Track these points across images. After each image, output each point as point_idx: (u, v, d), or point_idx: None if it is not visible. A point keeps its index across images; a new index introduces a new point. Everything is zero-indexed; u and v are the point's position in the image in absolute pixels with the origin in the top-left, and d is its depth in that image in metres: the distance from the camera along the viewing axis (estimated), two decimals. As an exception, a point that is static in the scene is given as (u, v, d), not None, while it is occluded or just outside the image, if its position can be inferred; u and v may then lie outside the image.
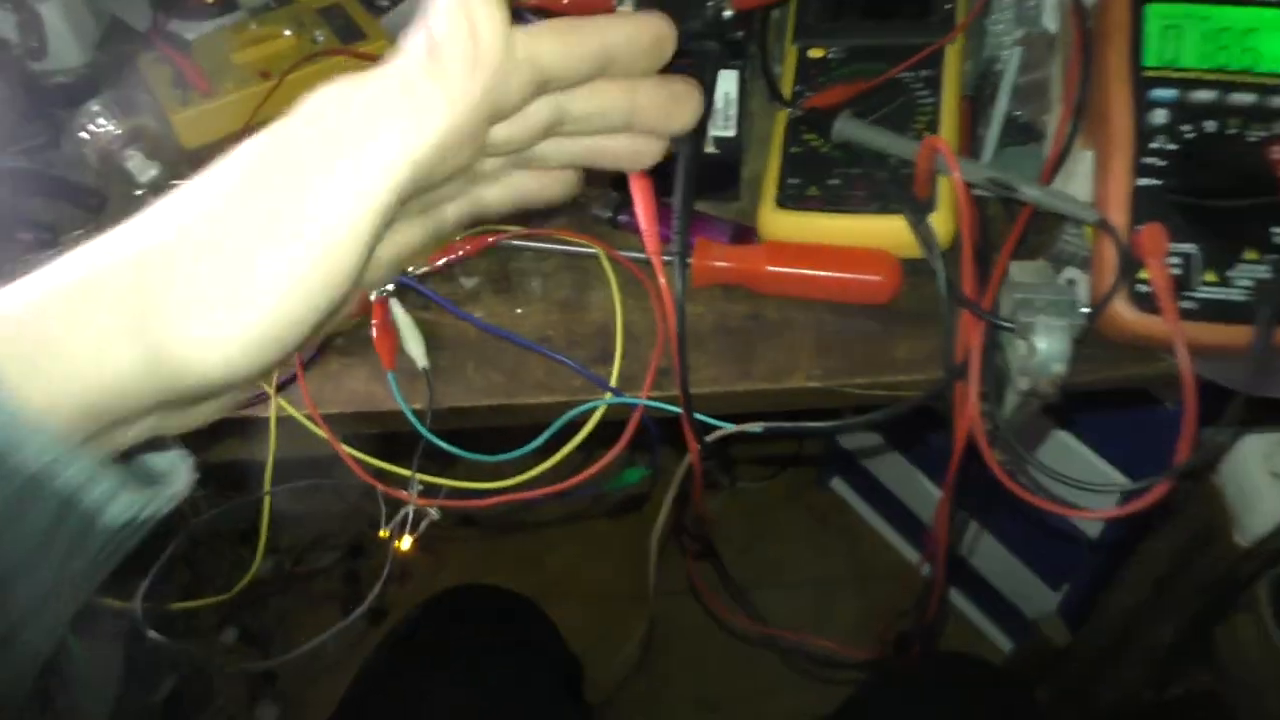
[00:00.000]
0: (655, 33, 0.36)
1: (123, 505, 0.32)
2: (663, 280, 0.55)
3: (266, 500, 0.64)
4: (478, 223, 0.43)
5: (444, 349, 0.64)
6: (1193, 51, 0.59)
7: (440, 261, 0.66)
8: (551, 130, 0.37)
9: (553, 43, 0.34)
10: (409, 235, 0.39)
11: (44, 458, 0.30)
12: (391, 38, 0.79)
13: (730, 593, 0.98)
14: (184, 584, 1.20)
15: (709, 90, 0.62)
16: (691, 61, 0.62)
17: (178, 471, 0.36)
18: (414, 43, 0.32)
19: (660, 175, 0.43)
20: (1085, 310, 0.56)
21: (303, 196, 0.30)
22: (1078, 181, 0.63)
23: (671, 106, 0.38)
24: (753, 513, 1.66)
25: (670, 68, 0.38)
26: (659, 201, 0.45)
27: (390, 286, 0.62)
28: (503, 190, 0.40)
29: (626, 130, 0.38)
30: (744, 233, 0.67)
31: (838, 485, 1.67)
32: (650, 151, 0.40)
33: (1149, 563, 1.06)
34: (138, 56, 0.80)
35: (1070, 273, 0.62)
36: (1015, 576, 1.34)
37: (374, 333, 0.62)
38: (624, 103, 0.37)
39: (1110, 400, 0.61)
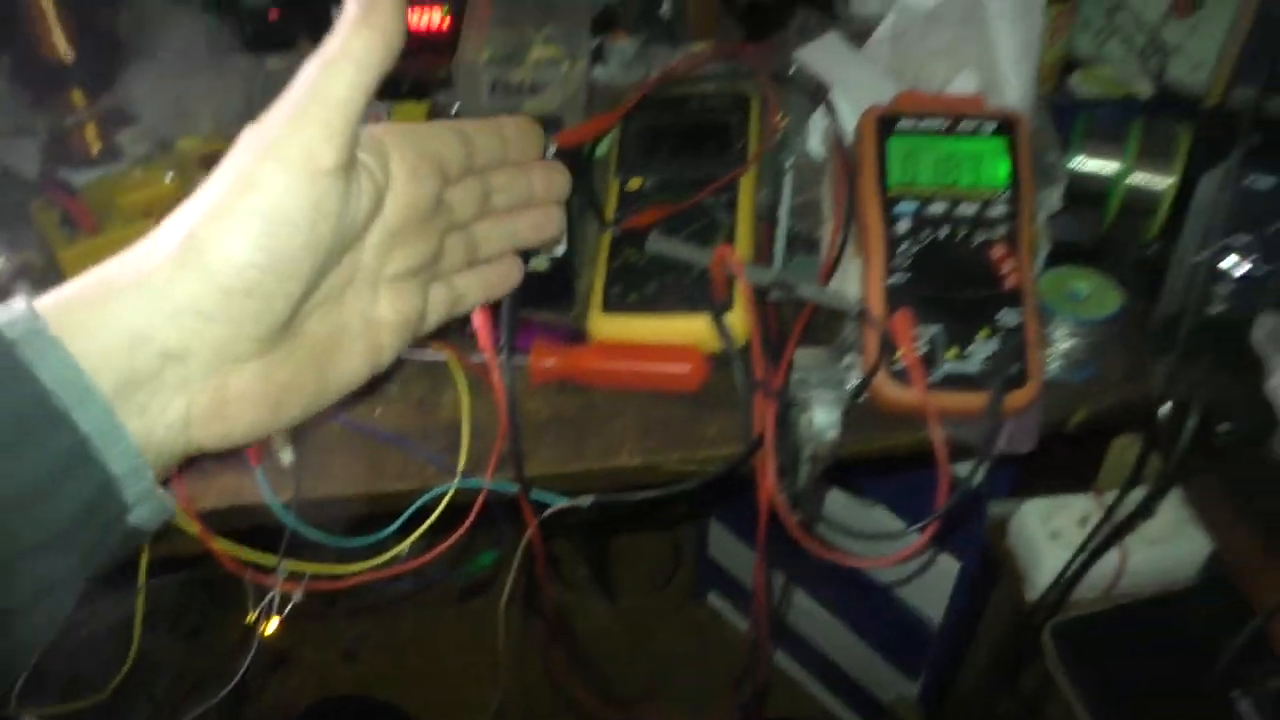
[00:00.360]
0: (526, 123, 0.51)
1: (150, 510, 0.37)
2: (497, 379, 0.64)
3: (142, 594, 0.69)
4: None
5: (310, 445, 0.71)
6: (928, 173, 0.72)
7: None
8: (485, 202, 0.49)
9: (474, 125, 0.47)
10: (408, 299, 0.47)
11: (98, 422, 0.34)
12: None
13: (585, 680, 1.04)
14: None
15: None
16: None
17: (165, 502, 0.40)
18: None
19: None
20: (852, 385, 0.67)
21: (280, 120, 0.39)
22: (850, 283, 0.75)
23: (555, 176, 0.52)
24: (633, 629, 1.71)
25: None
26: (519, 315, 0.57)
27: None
28: (475, 280, 0.51)
29: (530, 204, 0.51)
30: (577, 335, 0.77)
31: (714, 599, 1.75)
32: (555, 218, 0.53)
33: (986, 641, 1.16)
34: (27, 201, 0.88)
35: (850, 358, 0.74)
36: (871, 666, 1.42)
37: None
38: (522, 178, 0.50)
39: (908, 465, 0.72)
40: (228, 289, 0.38)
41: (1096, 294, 0.72)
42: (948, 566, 1.22)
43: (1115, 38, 0.98)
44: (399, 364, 0.77)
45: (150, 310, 0.37)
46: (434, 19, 1.05)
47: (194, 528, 0.68)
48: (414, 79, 1.01)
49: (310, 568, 0.68)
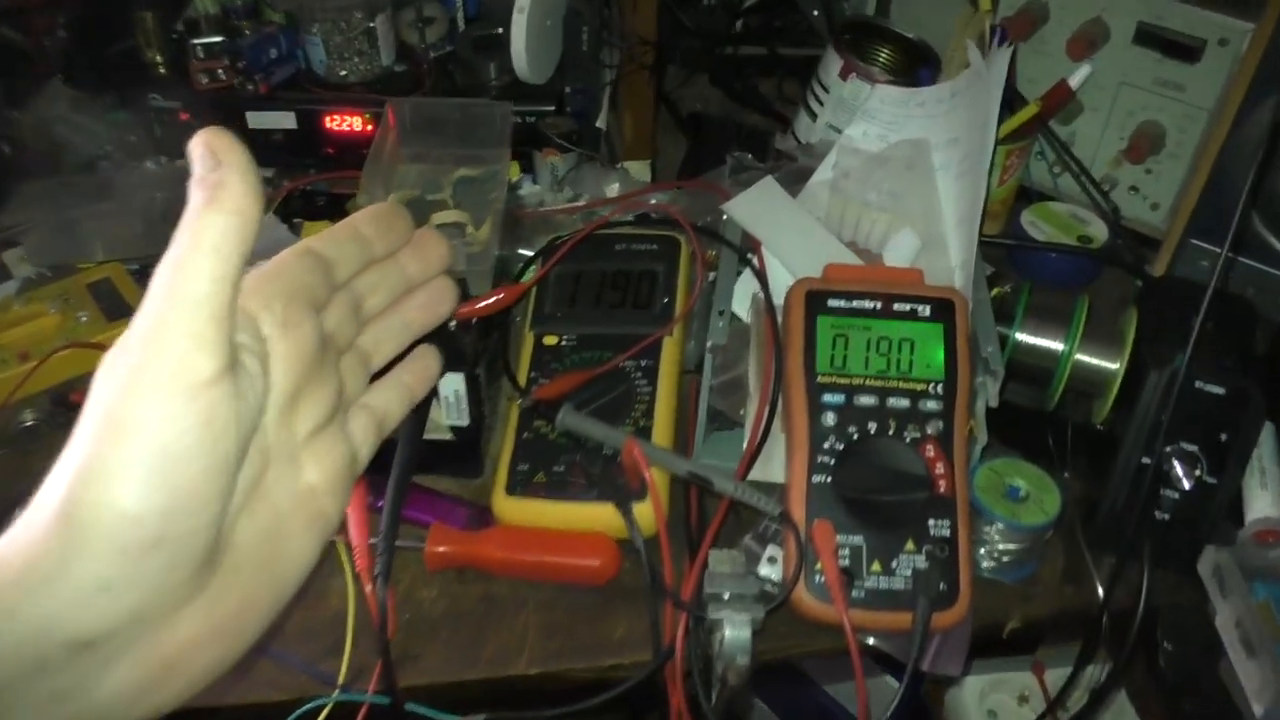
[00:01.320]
0: (386, 210, 0.44)
1: None
2: (369, 589, 0.58)
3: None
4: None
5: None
6: (858, 360, 0.67)
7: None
8: (361, 312, 0.44)
9: (326, 238, 0.41)
10: (331, 451, 0.41)
11: None
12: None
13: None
14: None
15: (426, 402, 0.67)
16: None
17: None
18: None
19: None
20: (765, 606, 0.62)
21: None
22: (776, 464, 0.70)
23: (429, 250, 0.45)
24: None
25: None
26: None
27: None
28: (391, 392, 0.46)
29: (410, 288, 0.45)
30: (482, 514, 0.72)
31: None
32: (442, 292, 0.46)
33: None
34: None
35: (772, 550, 0.68)
36: None
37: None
38: (393, 268, 0.44)
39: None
40: (126, 550, 0.33)
41: (1035, 493, 0.67)
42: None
43: (1068, 174, 0.94)
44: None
45: (46, 601, 0.32)
46: (355, 123, 1.00)
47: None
48: (330, 194, 0.96)
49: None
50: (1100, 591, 0.67)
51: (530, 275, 0.81)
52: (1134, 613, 0.66)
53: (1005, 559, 0.68)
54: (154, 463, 0.33)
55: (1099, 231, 0.90)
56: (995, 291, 0.75)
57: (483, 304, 0.69)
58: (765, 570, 0.67)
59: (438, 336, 0.67)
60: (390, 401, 0.47)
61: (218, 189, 0.36)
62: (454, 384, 0.69)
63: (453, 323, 0.69)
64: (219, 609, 0.36)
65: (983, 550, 0.68)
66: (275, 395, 0.38)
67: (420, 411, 0.67)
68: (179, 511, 0.33)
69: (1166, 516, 0.67)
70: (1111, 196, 0.92)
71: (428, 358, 0.49)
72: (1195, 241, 0.84)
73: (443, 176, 0.79)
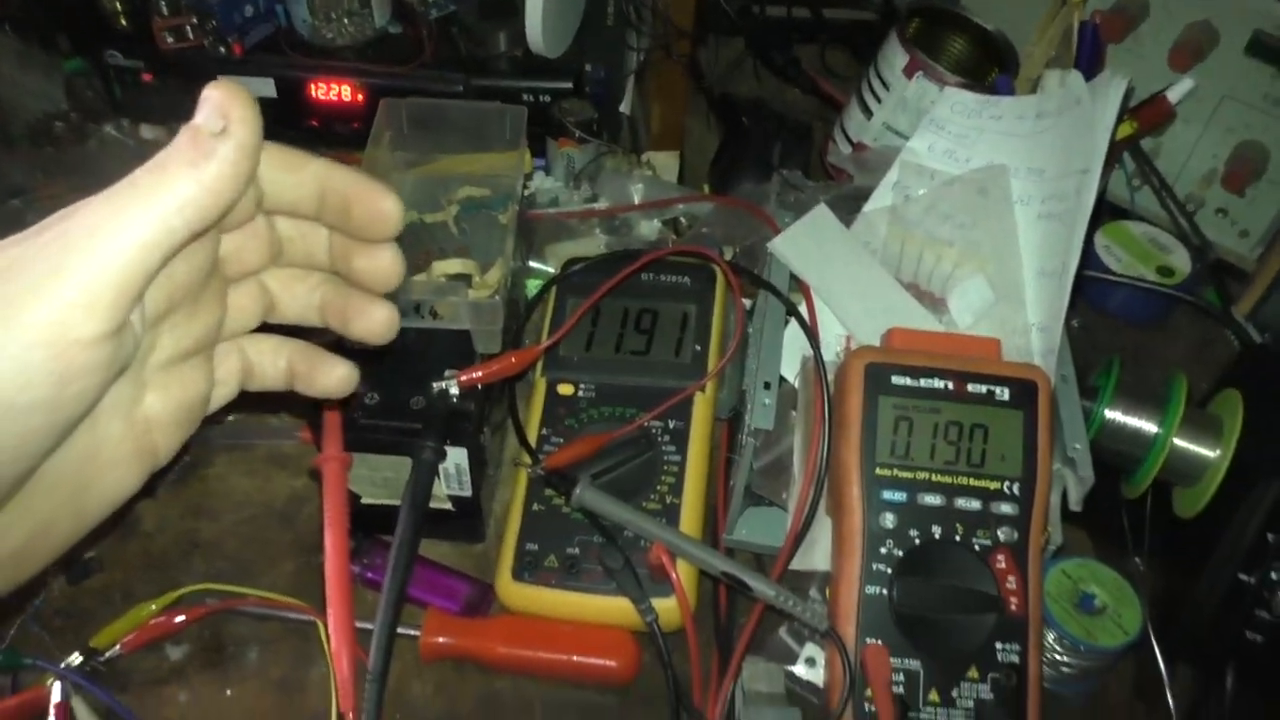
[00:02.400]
0: (373, 205, 0.36)
1: None
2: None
3: None
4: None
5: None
6: (924, 451, 0.58)
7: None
8: (275, 251, 0.37)
9: (275, 160, 0.34)
10: (183, 384, 0.36)
11: None
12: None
13: None
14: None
15: (425, 484, 0.58)
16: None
17: None
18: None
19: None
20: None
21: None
22: (819, 551, 0.62)
23: (385, 267, 0.37)
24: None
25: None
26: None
27: (58, 688, 0.56)
28: (272, 351, 0.39)
29: (337, 280, 0.38)
30: (484, 593, 0.63)
31: None
32: (375, 316, 0.38)
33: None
34: None
35: (811, 649, 0.61)
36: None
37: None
38: (332, 244, 0.37)
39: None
40: None
41: (1113, 606, 0.59)
42: None
43: (1148, 187, 0.83)
44: (259, 625, 0.63)
45: None
46: (343, 92, 0.88)
47: None
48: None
49: None
50: (1174, 715, 0.60)
51: (547, 302, 0.71)
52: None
53: (1067, 671, 0.60)
54: None
55: (1180, 263, 0.80)
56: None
57: (490, 371, 0.59)
58: (802, 671, 0.60)
59: (436, 410, 0.57)
60: (268, 362, 0.39)
61: (206, 155, 0.31)
62: (456, 458, 0.59)
63: (454, 391, 0.59)
64: (5, 542, 0.32)
65: (1044, 659, 0.60)
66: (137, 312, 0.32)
67: (421, 492, 0.59)
68: None
69: (1259, 639, 0.59)
70: (1196, 219, 0.82)
71: (338, 369, 0.40)
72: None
73: (442, 194, 0.68)
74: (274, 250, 0.38)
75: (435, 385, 0.58)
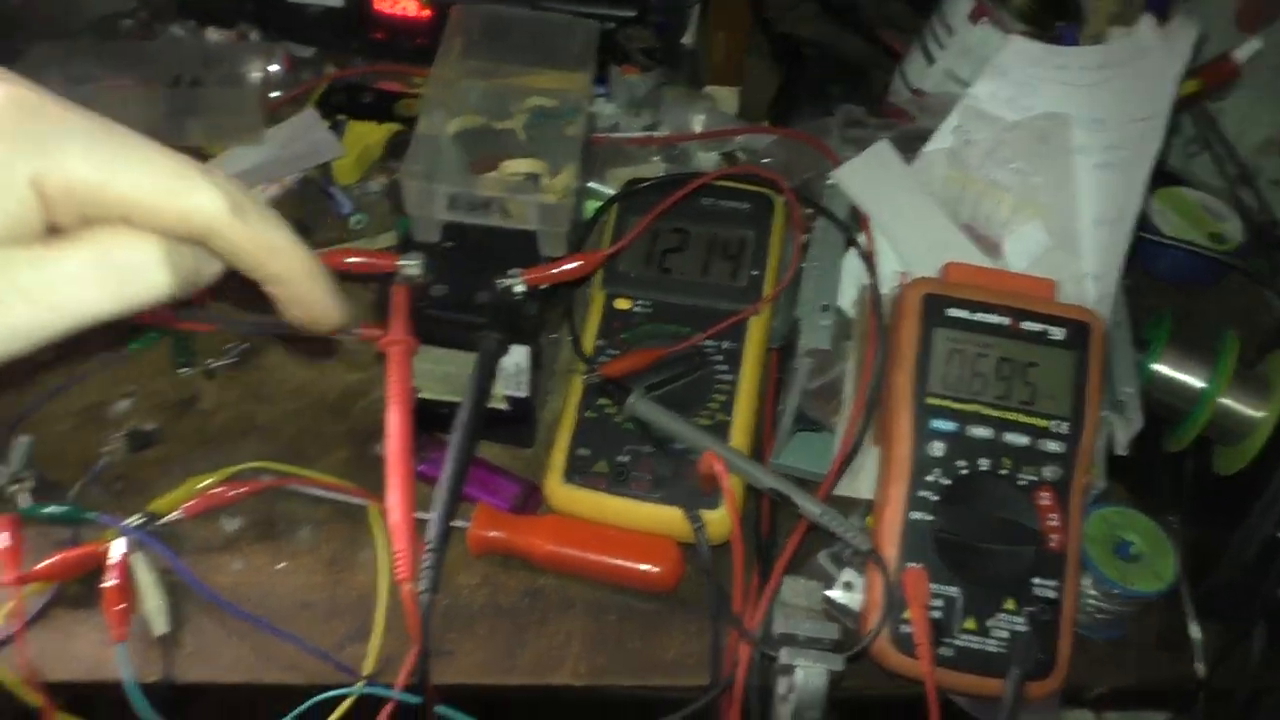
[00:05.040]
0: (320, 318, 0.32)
1: None
2: (407, 591, 0.52)
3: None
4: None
5: (191, 614, 0.59)
6: (976, 383, 0.59)
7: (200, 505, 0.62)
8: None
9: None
10: None
11: None
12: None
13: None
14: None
15: (488, 375, 0.59)
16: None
17: None
18: None
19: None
20: (844, 654, 0.55)
21: None
22: (864, 479, 0.63)
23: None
24: None
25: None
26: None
27: (123, 545, 0.57)
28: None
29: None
30: (531, 493, 0.65)
31: None
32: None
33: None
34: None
35: (849, 574, 0.62)
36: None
37: (105, 595, 0.56)
38: None
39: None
40: None
41: (1149, 554, 0.60)
42: None
43: (1207, 154, 0.83)
44: (312, 506, 0.65)
45: None
46: (409, 6, 0.88)
47: (37, 700, 0.56)
48: (377, 91, 0.85)
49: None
50: (1200, 666, 0.61)
51: (606, 222, 0.72)
52: (1234, 695, 0.60)
53: (1099, 616, 0.62)
54: None
55: (1233, 230, 0.80)
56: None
57: (556, 271, 0.60)
58: (838, 595, 0.61)
59: (500, 306, 0.58)
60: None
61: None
62: (517, 357, 0.61)
63: (519, 289, 0.60)
64: None
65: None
66: None
67: (484, 379, 0.60)
68: None
69: (1290, 594, 0.60)
70: (1249, 194, 0.82)
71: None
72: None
73: (512, 102, 0.69)
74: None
75: (501, 282, 0.59)
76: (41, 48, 0.78)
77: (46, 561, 0.57)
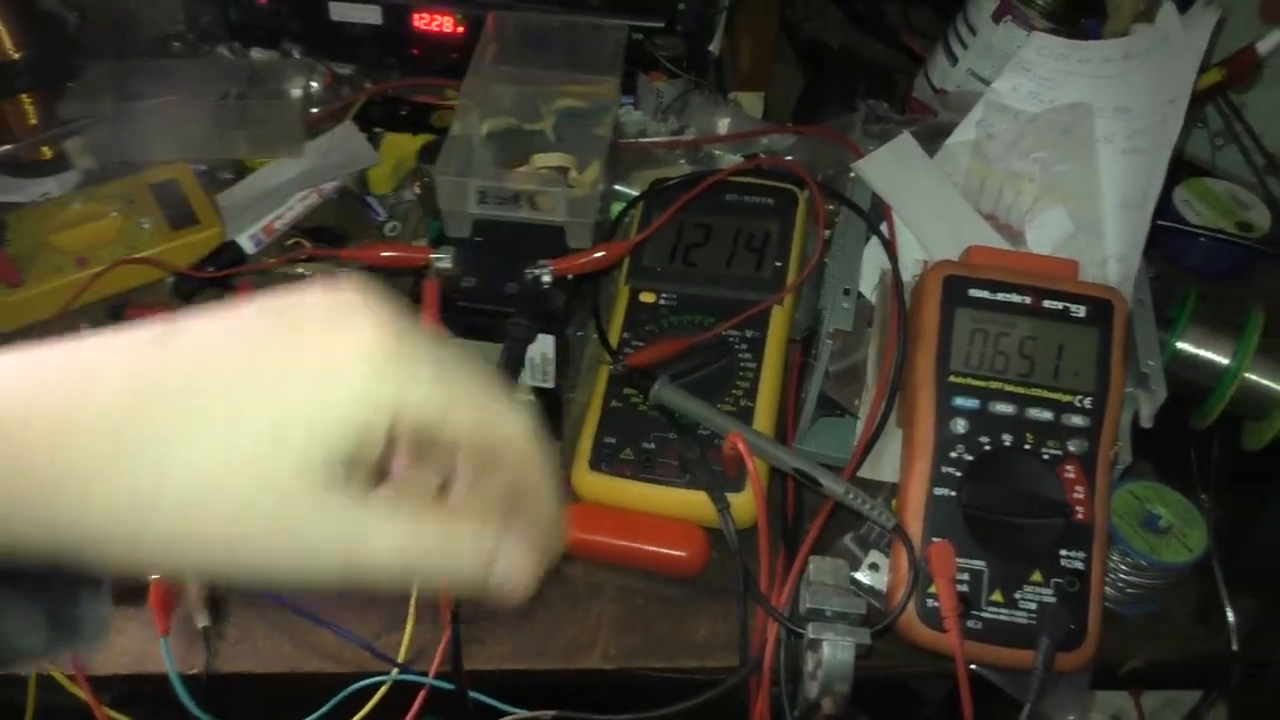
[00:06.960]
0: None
1: None
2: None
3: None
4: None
5: (233, 605, 0.61)
6: (998, 361, 0.60)
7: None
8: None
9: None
10: None
11: None
12: (221, 221, 0.76)
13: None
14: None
15: (515, 364, 0.61)
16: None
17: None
18: None
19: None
20: (871, 629, 0.56)
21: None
22: (887, 462, 0.63)
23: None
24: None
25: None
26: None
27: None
28: None
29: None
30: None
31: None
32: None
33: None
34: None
35: (874, 556, 0.62)
36: None
37: (150, 590, 0.58)
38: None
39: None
40: None
41: (1179, 526, 0.60)
42: None
43: (1233, 145, 0.83)
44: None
45: None
46: (445, 24, 0.91)
47: (82, 693, 0.58)
48: (413, 103, 0.88)
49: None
50: (1235, 641, 0.60)
51: (631, 221, 0.74)
52: (1269, 666, 0.60)
53: (1131, 591, 0.61)
54: None
55: (1261, 219, 0.80)
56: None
57: (582, 261, 0.62)
58: (864, 577, 0.62)
59: (528, 296, 0.60)
60: None
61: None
62: (544, 346, 0.62)
63: (547, 279, 0.62)
64: None
65: (1106, 578, 0.61)
66: None
67: (512, 365, 0.61)
68: None
69: (1325, 568, 0.60)
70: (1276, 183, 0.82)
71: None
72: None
73: (543, 103, 0.71)
74: None
75: (530, 271, 0.61)
76: (98, 67, 0.82)
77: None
